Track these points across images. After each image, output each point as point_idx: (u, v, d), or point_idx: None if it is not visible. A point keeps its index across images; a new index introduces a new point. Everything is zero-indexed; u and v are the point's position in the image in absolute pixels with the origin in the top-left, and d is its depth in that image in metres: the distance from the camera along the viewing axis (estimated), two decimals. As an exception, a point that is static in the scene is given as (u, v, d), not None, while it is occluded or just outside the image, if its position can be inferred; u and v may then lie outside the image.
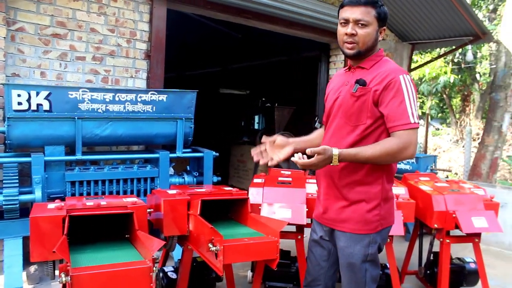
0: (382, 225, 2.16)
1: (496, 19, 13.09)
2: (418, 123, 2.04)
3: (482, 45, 11.78)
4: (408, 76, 2.08)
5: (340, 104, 2.19)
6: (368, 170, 2.11)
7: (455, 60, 13.87)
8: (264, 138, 2.24)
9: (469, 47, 7.50)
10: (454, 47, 7.77)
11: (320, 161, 1.95)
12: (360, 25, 2.07)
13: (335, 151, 1.96)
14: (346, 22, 2.10)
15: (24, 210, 3.28)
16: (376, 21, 2.09)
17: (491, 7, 13.41)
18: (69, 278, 1.72)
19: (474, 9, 12.69)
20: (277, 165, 7.97)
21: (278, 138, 2.22)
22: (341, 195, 2.17)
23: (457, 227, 3.15)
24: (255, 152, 2.25)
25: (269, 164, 2.19)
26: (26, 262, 3.09)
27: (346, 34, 2.10)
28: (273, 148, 2.22)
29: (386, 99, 2.03)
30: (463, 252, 4.25)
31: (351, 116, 2.13)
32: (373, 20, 2.08)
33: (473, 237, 3.31)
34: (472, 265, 3.57)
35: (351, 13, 2.08)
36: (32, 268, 3.48)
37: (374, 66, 2.15)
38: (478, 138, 10.92)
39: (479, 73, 14.49)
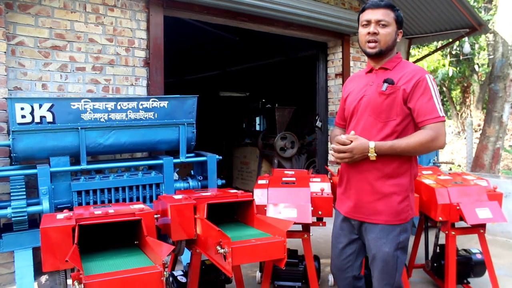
0: (411, 215, 2.31)
1: (492, 9, 13.09)
2: (444, 116, 2.20)
3: (479, 36, 11.76)
4: (431, 76, 2.23)
5: (368, 103, 2.29)
6: (398, 164, 2.24)
7: (453, 52, 13.84)
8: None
9: (466, 39, 7.50)
10: (451, 39, 7.77)
11: (356, 147, 2.17)
12: (381, 25, 2.22)
13: (371, 144, 2.16)
14: (368, 23, 2.25)
15: (32, 221, 3.32)
16: (395, 23, 2.26)
17: (486, -3, 13.40)
18: (82, 286, 1.76)
19: (469, 0, 12.69)
20: (280, 165, 7.96)
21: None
22: (373, 189, 2.27)
23: (461, 219, 3.17)
24: None
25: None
26: (37, 272, 3.13)
27: (369, 33, 2.24)
28: None
29: (416, 96, 2.17)
30: (470, 243, 4.27)
31: (381, 113, 2.25)
32: (393, 21, 2.25)
33: (478, 228, 3.33)
34: (479, 256, 3.59)
35: (372, 14, 2.23)
36: (43, 278, 3.51)
37: (396, 67, 2.28)
38: (480, 129, 10.91)
39: (477, 64, 14.45)
